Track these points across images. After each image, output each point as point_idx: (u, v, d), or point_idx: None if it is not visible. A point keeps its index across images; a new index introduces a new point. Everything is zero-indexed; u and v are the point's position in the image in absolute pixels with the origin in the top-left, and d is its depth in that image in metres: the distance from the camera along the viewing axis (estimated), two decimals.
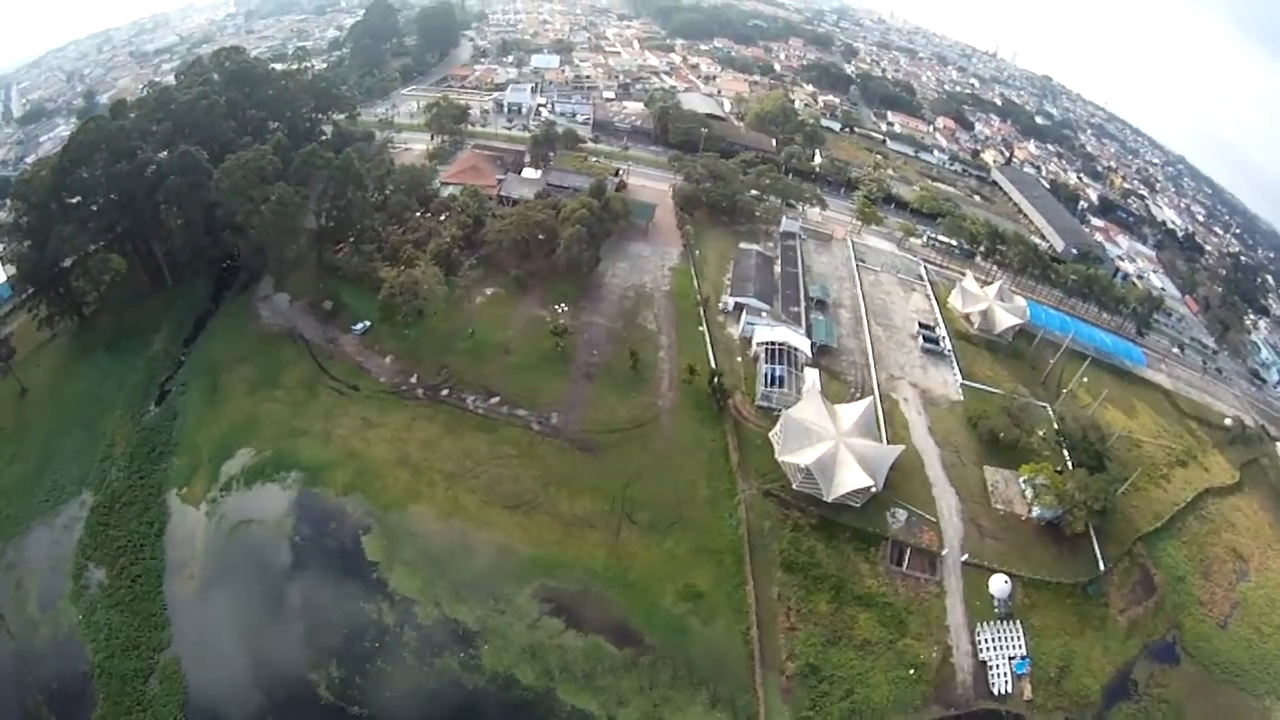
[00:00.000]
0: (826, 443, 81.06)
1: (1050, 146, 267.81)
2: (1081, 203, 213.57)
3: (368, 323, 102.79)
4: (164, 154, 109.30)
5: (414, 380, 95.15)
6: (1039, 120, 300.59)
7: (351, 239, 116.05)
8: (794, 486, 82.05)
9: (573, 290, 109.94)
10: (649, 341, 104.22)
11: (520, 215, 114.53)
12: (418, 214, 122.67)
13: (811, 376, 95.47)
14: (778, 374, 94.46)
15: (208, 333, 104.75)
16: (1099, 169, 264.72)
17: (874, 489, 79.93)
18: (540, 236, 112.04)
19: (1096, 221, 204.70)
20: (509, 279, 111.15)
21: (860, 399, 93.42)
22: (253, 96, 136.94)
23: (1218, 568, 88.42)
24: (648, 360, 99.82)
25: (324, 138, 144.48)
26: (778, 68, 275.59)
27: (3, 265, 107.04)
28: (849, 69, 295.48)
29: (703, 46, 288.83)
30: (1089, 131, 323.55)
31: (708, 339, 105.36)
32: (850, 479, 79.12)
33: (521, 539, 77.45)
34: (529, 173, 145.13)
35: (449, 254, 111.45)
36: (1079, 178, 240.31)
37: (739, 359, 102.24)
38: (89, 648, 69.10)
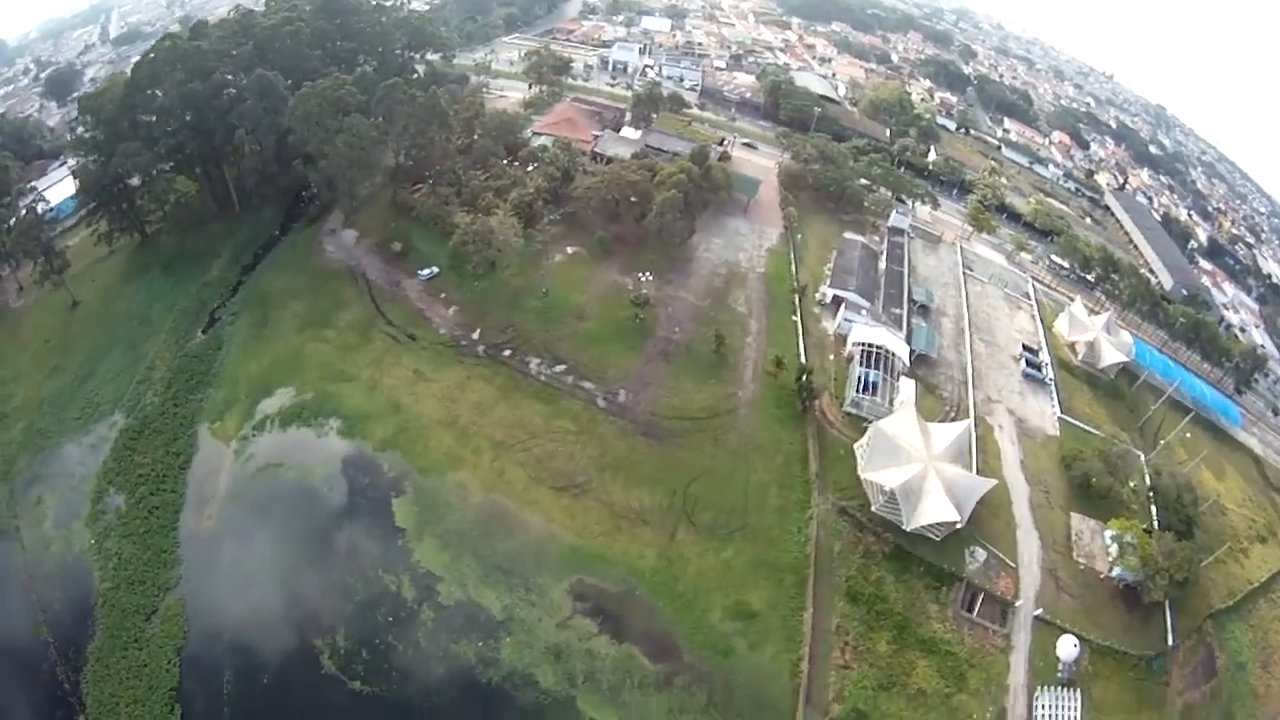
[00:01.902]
0: (915, 465, 73.56)
1: (1162, 178, 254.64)
2: (1191, 242, 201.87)
3: (435, 269, 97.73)
4: (241, 78, 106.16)
5: (476, 336, 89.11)
6: (1152, 149, 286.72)
7: (429, 180, 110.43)
8: (872, 508, 74.91)
9: (660, 260, 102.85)
10: (736, 325, 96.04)
11: (613, 174, 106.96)
12: (503, 162, 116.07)
13: (907, 387, 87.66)
14: (872, 379, 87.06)
15: (268, 262, 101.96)
16: (1209, 209, 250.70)
17: (958, 524, 72.58)
18: (632, 199, 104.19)
19: (1204, 264, 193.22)
20: (592, 240, 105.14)
21: (955, 419, 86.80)
22: (343, 28, 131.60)
23: (1278, 660, 77.39)
24: (733, 345, 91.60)
25: (415, 76, 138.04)
26: (895, 59, 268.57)
27: (73, 180, 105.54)
28: (966, 70, 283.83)
29: (819, 28, 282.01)
30: (1199, 169, 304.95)
31: (800, 331, 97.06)
32: (935, 510, 71.71)
33: (566, 526, 71.41)
34: (628, 132, 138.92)
35: (531, 206, 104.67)
36: (1189, 215, 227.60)
37: (831, 357, 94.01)
38: (97, 574, 66.56)
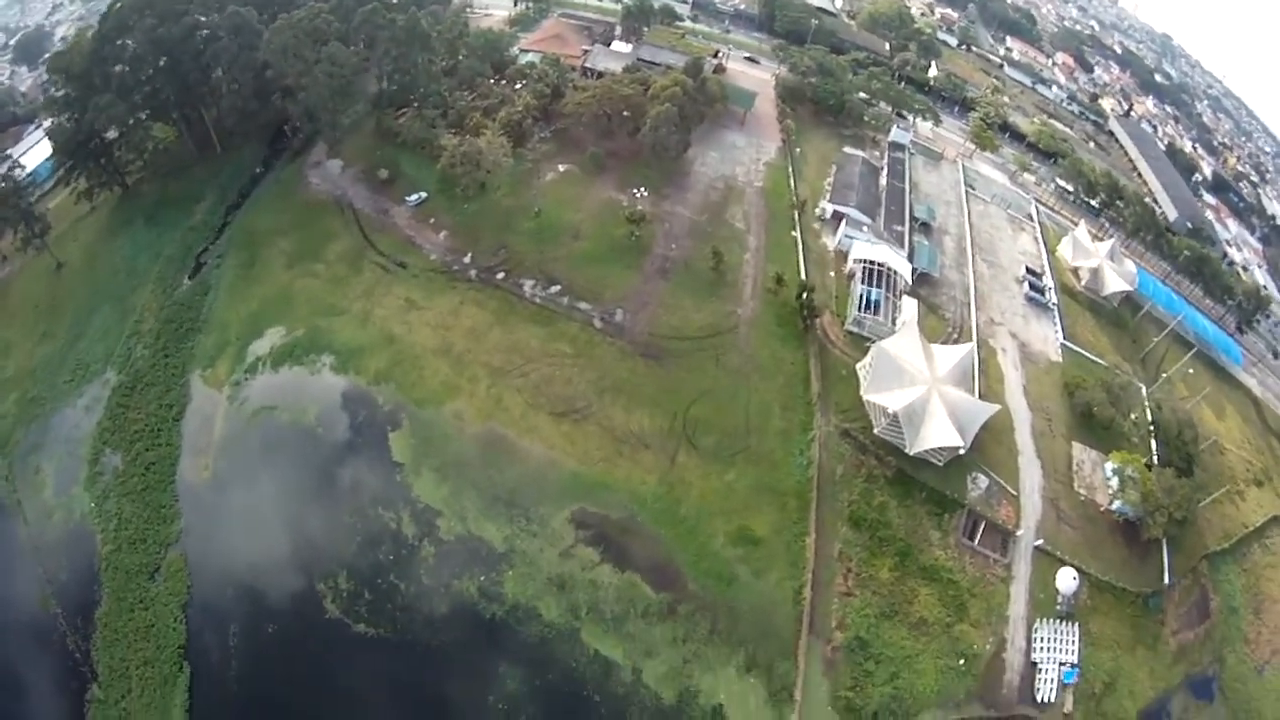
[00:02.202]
0: (919, 387, 72.22)
1: (1167, 108, 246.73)
2: (1196, 175, 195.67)
3: (424, 194, 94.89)
4: (214, 18, 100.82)
5: (468, 260, 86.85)
6: (1158, 78, 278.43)
7: (415, 104, 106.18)
8: (875, 431, 73.83)
9: (655, 176, 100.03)
10: (735, 241, 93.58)
11: (604, 88, 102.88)
12: (490, 81, 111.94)
13: (910, 306, 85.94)
14: (874, 297, 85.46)
15: (252, 201, 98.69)
16: (1214, 143, 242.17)
17: (961, 450, 71.31)
18: (625, 113, 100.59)
19: (1209, 198, 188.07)
20: (585, 157, 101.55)
21: (958, 341, 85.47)
22: None
23: (1269, 606, 77.93)
24: (731, 262, 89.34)
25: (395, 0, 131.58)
26: None
27: (49, 142, 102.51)
28: None
29: None
30: (1204, 102, 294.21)
31: (800, 247, 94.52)
32: (939, 434, 70.50)
33: (566, 452, 70.08)
34: (619, 46, 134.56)
35: (520, 124, 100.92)
36: (1194, 148, 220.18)
37: (831, 274, 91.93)
38: (99, 538, 65.64)
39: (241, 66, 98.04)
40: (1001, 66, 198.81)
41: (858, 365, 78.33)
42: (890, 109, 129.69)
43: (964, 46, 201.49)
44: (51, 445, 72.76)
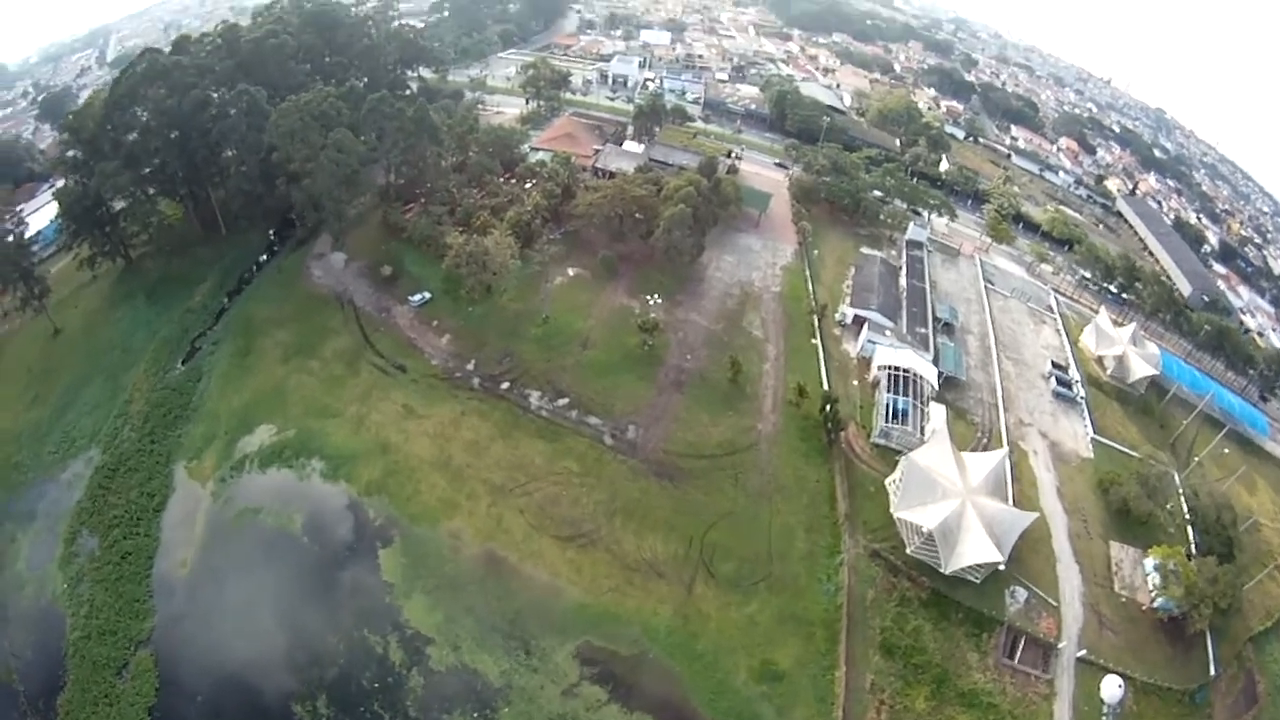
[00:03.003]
0: (952, 501, 68.28)
1: (1169, 182, 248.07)
2: (1204, 246, 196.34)
3: (428, 294, 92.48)
4: (225, 94, 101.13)
5: (471, 367, 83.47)
6: (1157, 153, 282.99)
7: (422, 199, 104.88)
8: (907, 550, 69.39)
9: (669, 281, 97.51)
10: (753, 350, 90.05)
11: (616, 188, 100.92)
12: (500, 179, 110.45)
13: (938, 413, 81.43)
14: (900, 406, 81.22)
15: (253, 288, 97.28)
16: (1216, 211, 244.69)
17: (1000, 565, 67.53)
18: (637, 215, 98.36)
19: (1218, 267, 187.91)
20: (596, 261, 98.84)
21: (988, 446, 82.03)
22: (331, 43, 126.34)
23: None
24: (750, 373, 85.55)
25: (407, 92, 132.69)
26: (897, 68, 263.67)
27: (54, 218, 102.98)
28: (969, 77, 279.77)
29: (820, 40, 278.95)
30: (1201, 171, 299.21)
31: (821, 354, 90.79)
32: (975, 550, 66.58)
33: (572, 580, 65.44)
34: (630, 145, 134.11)
35: (529, 225, 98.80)
36: (1198, 218, 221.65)
37: (855, 382, 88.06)
38: (69, 622, 63.19)
39: (248, 147, 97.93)
40: (1009, 156, 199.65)
41: (887, 480, 74.02)
42: (905, 206, 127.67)
43: (971, 138, 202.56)
44: (29, 516, 71.01)
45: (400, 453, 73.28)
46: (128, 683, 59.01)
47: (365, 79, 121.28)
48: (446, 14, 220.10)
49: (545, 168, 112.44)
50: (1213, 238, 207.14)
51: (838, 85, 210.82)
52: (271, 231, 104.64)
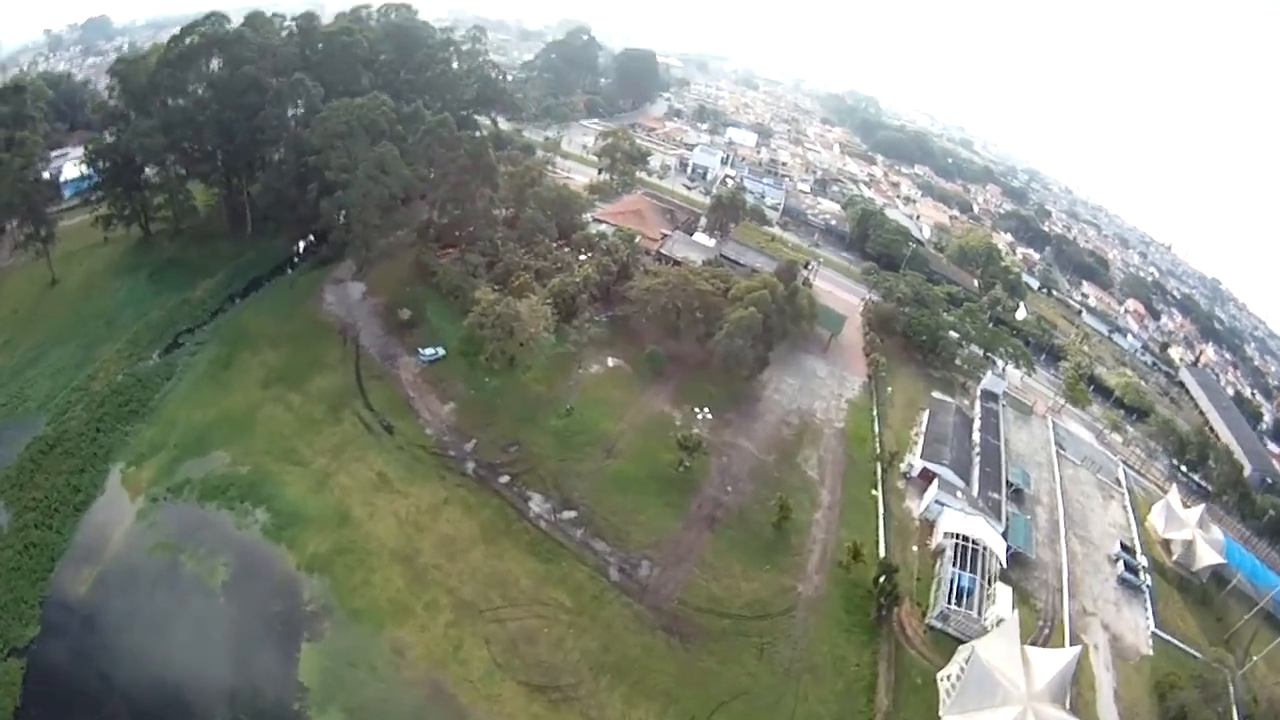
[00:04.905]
0: (1012, 708, 58.28)
1: (1226, 354, 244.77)
2: (1260, 423, 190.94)
3: (441, 351, 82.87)
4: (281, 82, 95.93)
5: (469, 447, 71.81)
6: (1215, 324, 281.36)
7: (462, 245, 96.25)
8: None
9: (720, 395, 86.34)
10: (805, 493, 77.11)
11: (680, 277, 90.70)
12: (553, 243, 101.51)
13: (1004, 596, 71.07)
14: (964, 584, 70.56)
15: (258, 296, 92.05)
16: (1270, 387, 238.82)
17: None
18: (698, 313, 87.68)
19: (1272, 446, 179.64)
20: (641, 355, 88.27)
21: (1048, 637, 73.32)
22: (408, 60, 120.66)
23: None
24: (799, 520, 72.41)
25: (476, 135, 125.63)
26: (975, 209, 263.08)
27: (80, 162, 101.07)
28: (1044, 228, 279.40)
29: (903, 169, 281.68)
30: (1252, 345, 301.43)
31: (881, 510, 78.21)
32: None
33: None
34: (701, 237, 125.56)
35: (574, 299, 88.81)
36: (1253, 394, 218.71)
37: (914, 548, 75.91)
38: None
39: (290, 143, 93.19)
40: (1080, 312, 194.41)
41: (939, 674, 63.18)
42: (982, 352, 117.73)
43: (1045, 289, 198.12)
44: None
45: (360, 530, 62.79)
46: None
47: (434, 107, 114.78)
48: (536, 74, 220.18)
49: (605, 240, 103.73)
50: (1267, 415, 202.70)
51: (918, 216, 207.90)
52: (300, 243, 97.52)
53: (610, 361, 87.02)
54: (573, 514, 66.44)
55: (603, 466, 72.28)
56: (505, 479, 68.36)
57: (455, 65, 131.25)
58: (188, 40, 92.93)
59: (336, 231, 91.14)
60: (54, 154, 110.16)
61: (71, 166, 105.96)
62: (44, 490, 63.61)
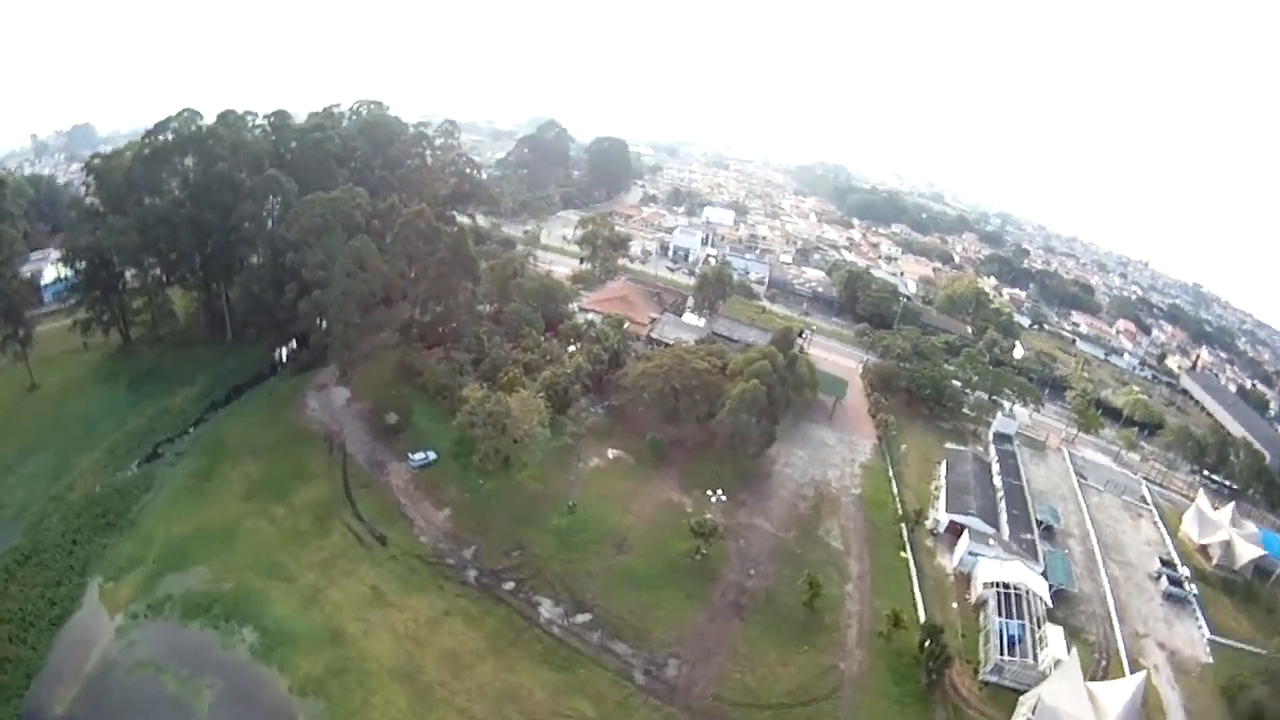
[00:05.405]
0: None
1: (1221, 353, 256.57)
2: (1268, 411, 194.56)
3: (433, 455, 78.91)
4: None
5: (469, 554, 67.33)
6: (1206, 327, 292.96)
7: (446, 344, 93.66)
8: None
9: (729, 476, 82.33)
10: (832, 567, 72.89)
11: (675, 357, 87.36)
12: (540, 335, 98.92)
13: (1056, 637, 68.60)
14: (1013, 632, 67.75)
15: (239, 405, 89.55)
16: (1269, 374, 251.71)
17: None
18: (697, 394, 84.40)
19: None
20: (642, 444, 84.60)
21: (1106, 669, 70.81)
22: (383, 154, 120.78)
23: None
24: (831, 595, 68.19)
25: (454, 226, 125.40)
26: (956, 258, 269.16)
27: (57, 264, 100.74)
28: (1025, 265, 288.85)
29: (881, 229, 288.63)
30: (1243, 338, 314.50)
31: (913, 572, 74.48)
32: None
33: None
34: (690, 318, 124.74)
35: (566, 391, 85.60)
36: (1254, 384, 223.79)
37: (954, 604, 72.40)
38: None
39: (265, 242, 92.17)
40: (1074, 341, 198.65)
41: None
42: (987, 395, 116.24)
43: (1036, 325, 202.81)
44: None
45: (355, 648, 58.15)
46: None
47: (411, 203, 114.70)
48: (510, 170, 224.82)
49: (594, 328, 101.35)
50: (1274, 402, 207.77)
51: (901, 273, 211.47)
52: (282, 350, 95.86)
53: (610, 453, 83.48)
54: (587, 617, 61.53)
55: (613, 563, 67.74)
56: (510, 585, 63.57)
57: (430, 159, 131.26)
58: (161, 137, 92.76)
59: (317, 334, 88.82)
60: (34, 255, 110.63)
61: (51, 269, 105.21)
62: (19, 603, 60.79)
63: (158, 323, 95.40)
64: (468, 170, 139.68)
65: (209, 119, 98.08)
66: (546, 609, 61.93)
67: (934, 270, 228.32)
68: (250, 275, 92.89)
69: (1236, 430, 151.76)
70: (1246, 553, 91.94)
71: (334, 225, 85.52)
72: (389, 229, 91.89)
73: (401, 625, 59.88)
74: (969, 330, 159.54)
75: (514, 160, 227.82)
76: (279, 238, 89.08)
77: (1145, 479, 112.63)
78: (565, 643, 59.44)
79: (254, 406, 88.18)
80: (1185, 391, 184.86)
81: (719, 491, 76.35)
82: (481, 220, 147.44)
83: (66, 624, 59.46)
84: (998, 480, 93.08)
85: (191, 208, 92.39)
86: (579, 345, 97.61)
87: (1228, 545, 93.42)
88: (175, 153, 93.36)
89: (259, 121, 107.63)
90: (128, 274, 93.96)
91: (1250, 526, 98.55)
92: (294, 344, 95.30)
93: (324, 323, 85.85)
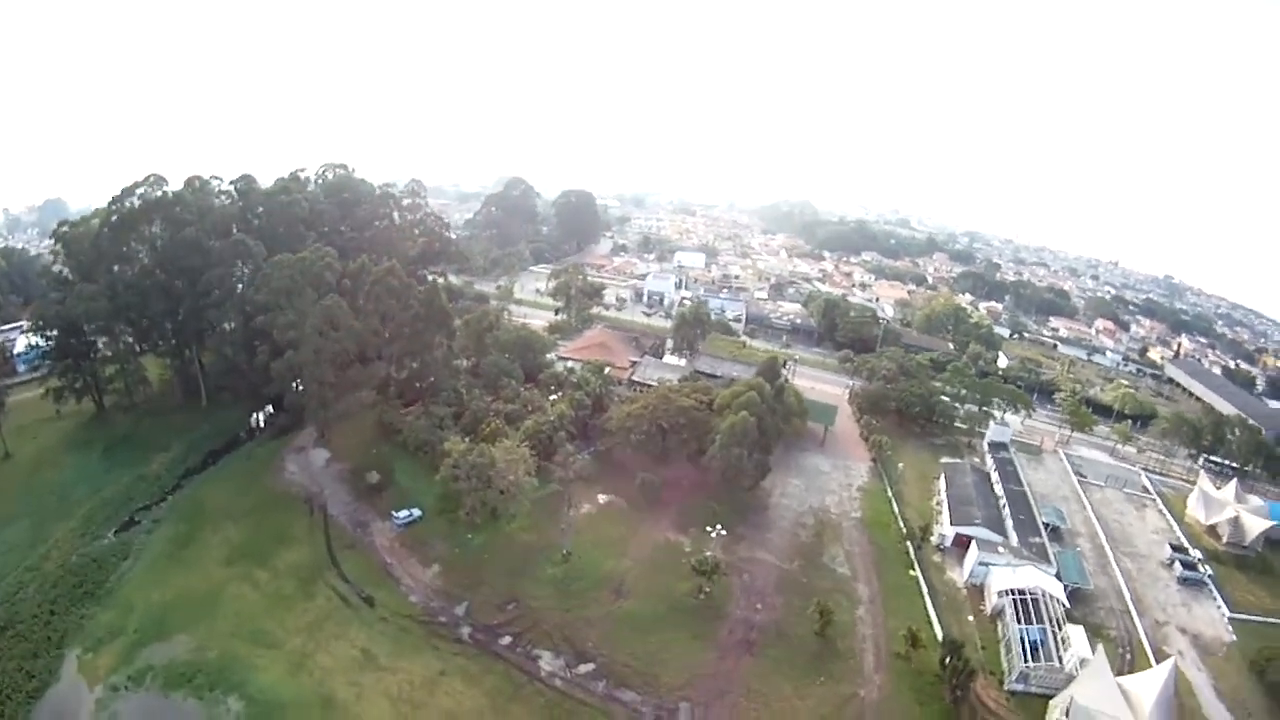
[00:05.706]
0: None
1: (1200, 338, 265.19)
2: (1255, 388, 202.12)
3: (417, 512, 76.59)
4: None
5: (461, 611, 64.68)
6: (1183, 316, 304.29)
7: (425, 397, 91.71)
8: None
9: (725, 511, 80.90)
10: (841, 592, 70.88)
11: (660, 397, 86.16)
12: (520, 386, 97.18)
13: (1079, 636, 67.67)
14: (1033, 638, 66.79)
15: (216, 470, 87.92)
16: (1250, 352, 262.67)
17: None
18: (684, 433, 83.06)
19: (1274, 404, 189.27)
20: (633, 486, 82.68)
21: (1132, 662, 70.61)
22: (350, 216, 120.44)
23: None
24: (842, 622, 66.08)
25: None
26: (929, 279, 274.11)
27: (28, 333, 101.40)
28: (999, 278, 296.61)
29: (851, 259, 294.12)
30: (1219, 322, 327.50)
31: (924, 589, 72.78)
32: None
33: None
34: (671, 359, 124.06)
35: (550, 438, 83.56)
36: (1236, 364, 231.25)
37: (970, 617, 71.10)
38: None
39: (236, 305, 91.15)
40: (1055, 346, 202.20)
41: None
42: (977, 407, 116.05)
43: (1015, 334, 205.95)
44: None
45: (348, 714, 55.56)
46: None
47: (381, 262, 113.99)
48: (479, 230, 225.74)
49: (574, 375, 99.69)
50: (1260, 378, 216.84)
51: (877, 299, 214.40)
52: (259, 415, 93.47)
53: (601, 498, 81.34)
54: (590, 666, 58.67)
55: (613, 609, 64.96)
56: (507, 640, 60.71)
57: (397, 219, 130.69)
58: (128, 203, 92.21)
59: (292, 396, 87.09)
60: (6, 327, 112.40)
61: (23, 339, 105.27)
62: None
63: (131, 389, 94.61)
64: (436, 229, 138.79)
65: (176, 185, 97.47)
66: (547, 661, 59.09)
67: (909, 292, 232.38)
68: (222, 339, 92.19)
69: (1228, 410, 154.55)
70: (1256, 526, 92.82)
71: (303, 286, 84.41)
72: (360, 288, 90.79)
73: (396, 688, 57.07)
74: (951, 346, 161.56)
75: (482, 219, 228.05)
76: (249, 301, 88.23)
77: (1144, 469, 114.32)
78: (569, 695, 56.51)
79: (232, 471, 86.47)
80: (1172, 380, 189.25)
81: (718, 527, 74.48)
82: (453, 278, 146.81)
83: (44, 697, 57.27)
84: (999, 488, 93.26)
85: (161, 274, 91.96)
86: (561, 393, 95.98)
87: (1236, 522, 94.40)
88: (142, 219, 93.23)
89: (225, 187, 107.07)
90: (100, 341, 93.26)
91: (1256, 500, 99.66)
92: (270, 408, 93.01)
93: (299, 384, 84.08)
